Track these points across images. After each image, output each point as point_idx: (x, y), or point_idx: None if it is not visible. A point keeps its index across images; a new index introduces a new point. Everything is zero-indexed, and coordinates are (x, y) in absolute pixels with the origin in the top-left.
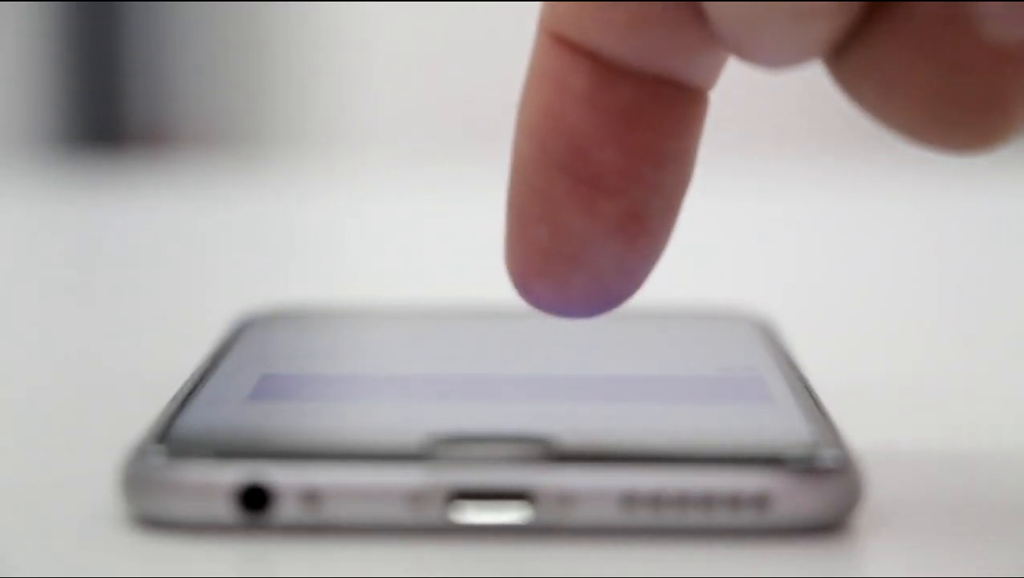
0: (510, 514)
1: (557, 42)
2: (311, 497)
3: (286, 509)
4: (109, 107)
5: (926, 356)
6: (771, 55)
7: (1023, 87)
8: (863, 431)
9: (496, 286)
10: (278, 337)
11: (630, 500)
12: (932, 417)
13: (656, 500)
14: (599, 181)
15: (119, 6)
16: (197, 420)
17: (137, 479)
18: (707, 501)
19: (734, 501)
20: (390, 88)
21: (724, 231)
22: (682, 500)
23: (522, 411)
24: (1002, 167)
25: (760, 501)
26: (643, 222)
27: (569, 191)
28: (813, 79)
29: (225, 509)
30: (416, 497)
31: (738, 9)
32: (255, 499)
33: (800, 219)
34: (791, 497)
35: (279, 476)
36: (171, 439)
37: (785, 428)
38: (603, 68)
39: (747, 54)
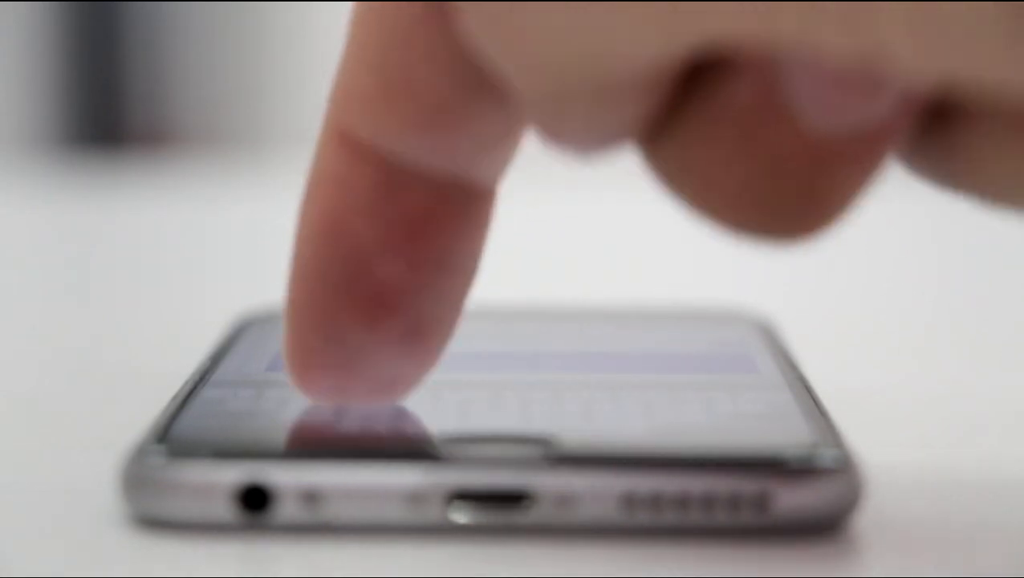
0: (510, 514)
1: (343, 141)
2: (311, 497)
3: (286, 509)
4: (109, 107)
5: (926, 356)
6: (575, 138)
7: (843, 177)
8: (863, 431)
9: (495, 286)
10: (278, 337)
11: (630, 500)
12: (932, 417)
13: (656, 500)
14: (381, 298)
15: (119, 6)
16: (197, 420)
17: (137, 479)
18: (707, 501)
19: (734, 501)
20: None
21: None
22: (682, 500)
23: (522, 411)
24: None
25: (760, 501)
26: (425, 334)
27: (349, 307)
28: None
29: (225, 509)
30: (416, 497)
31: (541, 91)
32: (255, 499)
33: None
34: (791, 497)
35: (279, 476)
36: (171, 439)
37: (785, 428)
38: (389, 172)
39: (553, 139)
